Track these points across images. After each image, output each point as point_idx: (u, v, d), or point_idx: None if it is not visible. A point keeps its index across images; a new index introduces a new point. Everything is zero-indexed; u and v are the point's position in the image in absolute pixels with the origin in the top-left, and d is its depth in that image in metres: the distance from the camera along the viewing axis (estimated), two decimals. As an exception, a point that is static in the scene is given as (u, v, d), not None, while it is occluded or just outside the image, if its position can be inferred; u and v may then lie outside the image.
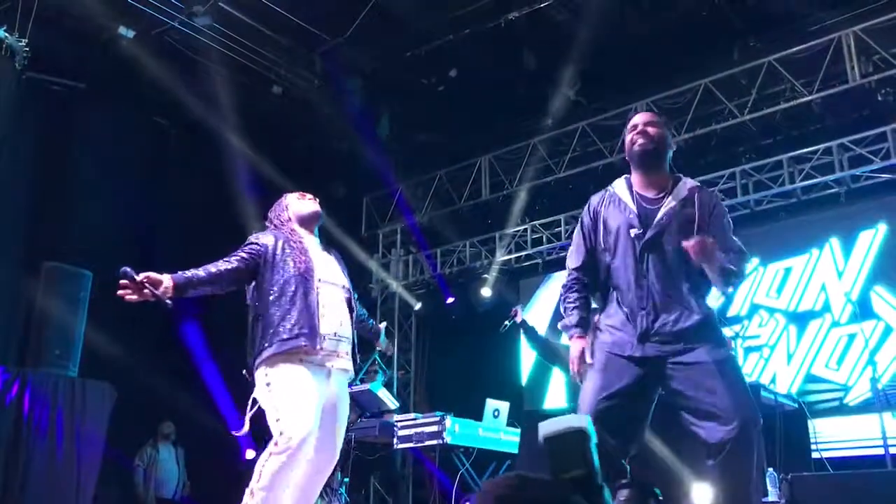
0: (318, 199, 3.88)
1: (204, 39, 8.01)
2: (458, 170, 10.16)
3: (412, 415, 6.57)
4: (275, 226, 3.76)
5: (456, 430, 6.13)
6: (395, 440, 6.38)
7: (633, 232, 3.00)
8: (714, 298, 3.13)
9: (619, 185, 3.18)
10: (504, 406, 6.58)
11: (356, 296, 3.83)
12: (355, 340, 3.66)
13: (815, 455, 5.48)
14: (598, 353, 3.01)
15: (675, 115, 8.52)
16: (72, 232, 7.53)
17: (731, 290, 3.12)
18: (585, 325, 3.09)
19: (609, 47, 7.85)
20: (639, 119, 3.17)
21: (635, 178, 3.14)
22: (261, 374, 3.40)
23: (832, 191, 8.03)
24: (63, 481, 5.73)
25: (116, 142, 8.30)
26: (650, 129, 3.11)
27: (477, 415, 6.42)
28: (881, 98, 7.60)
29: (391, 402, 6.57)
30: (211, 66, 8.27)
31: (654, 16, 7.65)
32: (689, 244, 2.84)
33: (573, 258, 3.21)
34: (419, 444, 6.21)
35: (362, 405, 6.60)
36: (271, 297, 3.45)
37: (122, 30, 7.65)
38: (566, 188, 9.48)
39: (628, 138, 3.14)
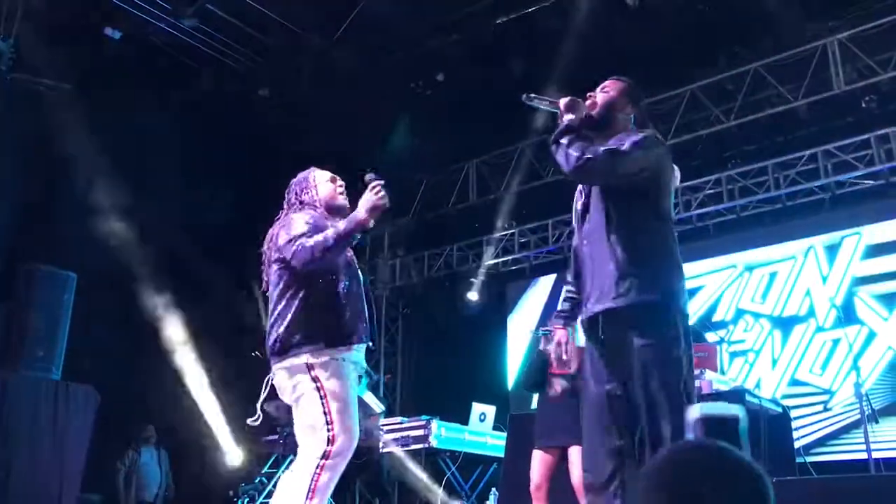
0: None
1: (191, 41, 7.99)
2: (446, 174, 10.17)
3: (398, 418, 6.56)
4: (304, 203, 3.42)
5: (442, 433, 6.12)
6: (380, 444, 6.36)
7: (578, 203, 3.08)
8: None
9: None
10: (490, 410, 6.59)
11: None
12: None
13: (798, 460, 5.50)
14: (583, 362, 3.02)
15: (662, 121, 8.56)
16: (57, 234, 7.48)
17: (558, 155, 2.87)
18: (569, 317, 3.13)
19: (596, 53, 7.87)
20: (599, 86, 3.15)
21: None
22: (299, 366, 3.16)
23: (817, 197, 8.09)
24: (46, 485, 5.68)
25: (103, 144, 8.24)
26: (599, 95, 3.13)
27: (463, 419, 6.42)
28: (865, 105, 7.67)
29: (377, 405, 6.55)
30: (197, 68, 8.24)
31: (642, 22, 7.68)
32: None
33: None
34: (405, 448, 6.20)
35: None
36: (322, 283, 3.23)
37: (109, 31, 7.61)
38: (554, 193, 9.50)
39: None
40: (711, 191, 8.46)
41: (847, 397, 7.40)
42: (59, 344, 6.11)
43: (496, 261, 9.90)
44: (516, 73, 8.31)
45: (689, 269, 8.81)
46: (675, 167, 3.19)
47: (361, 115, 8.73)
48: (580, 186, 3.12)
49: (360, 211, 3.14)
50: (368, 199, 3.14)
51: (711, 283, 8.69)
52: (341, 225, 3.16)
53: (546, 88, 8.61)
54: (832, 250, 8.00)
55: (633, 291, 2.79)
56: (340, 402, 3.13)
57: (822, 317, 7.91)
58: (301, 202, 3.43)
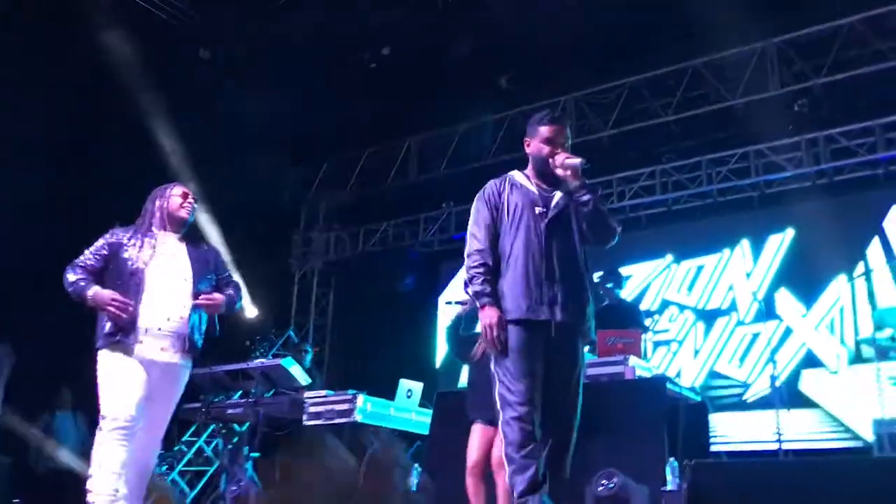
0: (196, 201, 3.94)
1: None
2: (387, 149, 10.09)
3: (323, 392, 6.51)
4: (147, 210, 3.86)
5: (368, 408, 6.10)
6: (304, 417, 6.31)
7: (537, 210, 3.31)
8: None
9: (517, 175, 3.51)
10: (417, 387, 6.58)
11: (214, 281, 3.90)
12: (192, 333, 3.75)
13: (713, 448, 5.67)
14: (510, 331, 3.16)
15: (602, 112, 8.66)
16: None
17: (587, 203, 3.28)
18: (496, 297, 3.23)
19: (542, 40, 7.90)
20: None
21: (531, 172, 3.49)
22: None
23: (746, 194, 8.31)
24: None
25: (35, 103, 7.90)
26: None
27: (392, 395, 6.41)
28: (797, 108, 7.89)
29: (302, 378, 6.49)
30: (135, 30, 7.95)
31: (589, 12, 7.72)
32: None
33: (479, 238, 3.35)
34: (329, 422, 6.16)
35: (273, 381, 6.49)
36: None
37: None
38: (493, 175, 9.51)
39: (547, 150, 3.37)
40: (645, 182, 8.62)
41: (762, 389, 7.66)
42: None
43: (432, 239, 9.90)
44: (462, 52, 8.29)
45: (619, 258, 8.99)
46: (509, 189, 3.47)
47: (305, 84, 8.60)
48: (530, 193, 3.40)
49: (104, 298, 3.60)
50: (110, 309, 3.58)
51: (640, 272, 8.87)
52: (91, 290, 3.62)
53: (491, 70, 8.62)
54: (758, 247, 8.25)
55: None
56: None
57: (744, 311, 8.16)
58: (146, 209, 3.85)
